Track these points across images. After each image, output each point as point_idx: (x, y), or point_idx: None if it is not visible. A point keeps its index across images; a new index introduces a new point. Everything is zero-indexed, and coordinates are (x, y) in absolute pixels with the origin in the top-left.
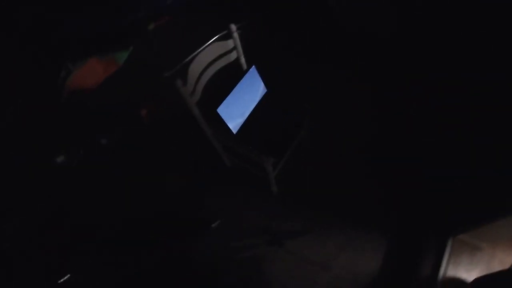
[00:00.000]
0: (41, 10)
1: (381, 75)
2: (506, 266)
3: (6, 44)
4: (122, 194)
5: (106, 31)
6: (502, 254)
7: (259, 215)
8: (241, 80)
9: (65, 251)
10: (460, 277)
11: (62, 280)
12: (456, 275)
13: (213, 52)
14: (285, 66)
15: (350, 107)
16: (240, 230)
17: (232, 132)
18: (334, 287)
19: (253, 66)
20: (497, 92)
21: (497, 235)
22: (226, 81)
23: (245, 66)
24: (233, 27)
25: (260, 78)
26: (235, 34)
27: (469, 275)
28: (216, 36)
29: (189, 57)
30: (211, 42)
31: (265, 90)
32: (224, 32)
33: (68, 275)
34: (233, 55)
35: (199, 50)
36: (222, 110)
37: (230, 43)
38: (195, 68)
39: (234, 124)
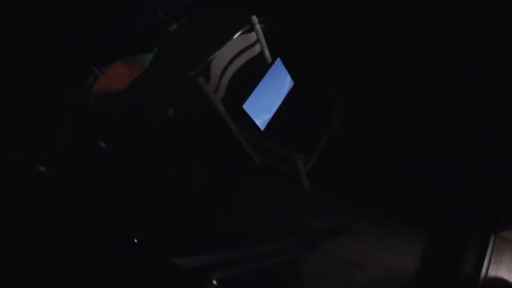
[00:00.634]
0: (59, 20)
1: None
2: None
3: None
4: (151, 193)
5: (128, 35)
6: None
7: (291, 213)
8: (266, 74)
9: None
10: (502, 277)
11: None
12: (498, 275)
13: (235, 46)
14: (310, 56)
15: (378, 95)
16: (272, 230)
17: (260, 129)
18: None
19: (278, 59)
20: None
21: None
22: (251, 76)
23: (269, 59)
24: (255, 18)
25: (286, 70)
26: (257, 26)
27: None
28: (239, 31)
29: (213, 55)
30: (233, 37)
31: (292, 83)
32: (247, 27)
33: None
34: (257, 49)
35: (222, 46)
36: (248, 106)
37: (252, 36)
38: (218, 65)
39: (261, 120)
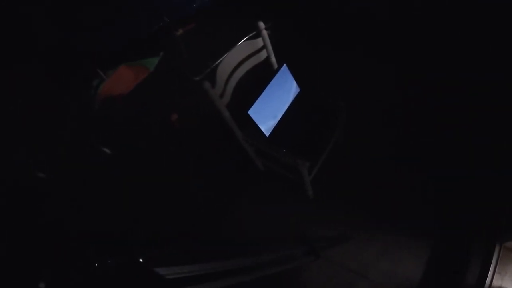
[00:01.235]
0: (59, 20)
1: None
2: None
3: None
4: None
5: (128, 36)
6: None
7: (294, 220)
8: (272, 80)
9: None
10: (506, 287)
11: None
12: (502, 286)
13: (242, 52)
14: (315, 62)
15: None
16: (273, 236)
17: (265, 135)
18: None
19: (284, 65)
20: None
21: None
22: (256, 81)
23: (275, 65)
24: (261, 24)
25: (292, 77)
26: (264, 32)
27: None
28: (245, 37)
29: (219, 60)
30: (239, 43)
31: (298, 90)
32: (253, 33)
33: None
34: (263, 54)
35: (228, 51)
36: (253, 112)
37: (259, 42)
38: (224, 70)
39: (266, 126)
